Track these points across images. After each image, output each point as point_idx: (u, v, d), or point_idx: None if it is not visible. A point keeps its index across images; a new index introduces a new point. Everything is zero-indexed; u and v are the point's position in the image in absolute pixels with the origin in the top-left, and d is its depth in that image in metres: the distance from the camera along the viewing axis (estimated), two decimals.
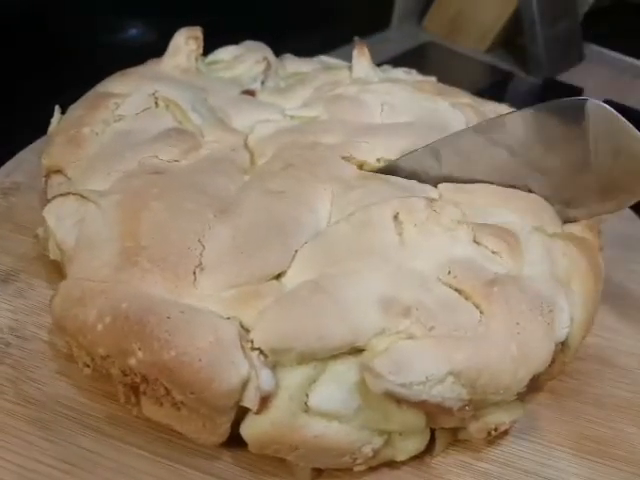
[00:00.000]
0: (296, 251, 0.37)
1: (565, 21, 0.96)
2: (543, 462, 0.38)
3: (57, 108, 0.49)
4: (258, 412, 0.32)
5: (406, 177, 0.44)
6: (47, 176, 0.46)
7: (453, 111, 0.53)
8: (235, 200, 0.40)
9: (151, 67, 0.54)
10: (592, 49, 1.06)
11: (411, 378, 0.31)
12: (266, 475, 0.35)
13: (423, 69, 0.63)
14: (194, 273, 0.35)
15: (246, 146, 0.48)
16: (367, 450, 0.33)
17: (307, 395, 0.32)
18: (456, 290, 0.36)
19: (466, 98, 0.55)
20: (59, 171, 0.45)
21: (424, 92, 0.55)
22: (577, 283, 0.40)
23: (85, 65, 0.58)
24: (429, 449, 0.36)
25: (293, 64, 0.62)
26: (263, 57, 0.58)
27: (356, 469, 0.34)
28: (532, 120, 0.41)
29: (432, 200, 0.39)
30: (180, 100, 0.49)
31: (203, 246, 0.36)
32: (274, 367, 0.33)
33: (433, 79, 0.61)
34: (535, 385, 0.39)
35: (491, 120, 0.44)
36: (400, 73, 0.61)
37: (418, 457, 0.36)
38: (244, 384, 0.31)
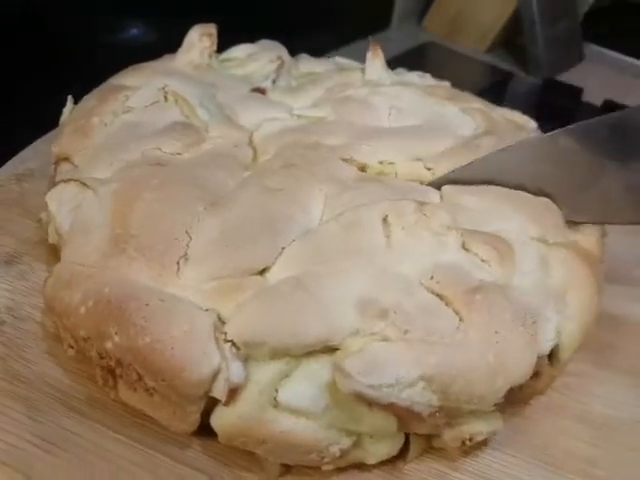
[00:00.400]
0: (283, 248, 0.38)
1: (565, 21, 0.95)
2: (522, 477, 0.37)
3: (70, 98, 0.51)
4: (226, 404, 0.32)
5: None
6: (56, 163, 0.48)
7: (462, 116, 0.52)
8: (230, 195, 0.41)
9: (164, 62, 0.55)
10: (592, 49, 1.05)
11: (380, 380, 0.31)
12: (235, 467, 0.35)
13: (423, 69, 0.63)
14: (178, 263, 0.36)
15: (250, 143, 0.48)
16: (334, 450, 0.33)
17: (277, 390, 0.33)
18: (437, 295, 0.35)
19: (477, 103, 0.55)
20: (67, 159, 0.47)
21: (435, 96, 0.55)
22: (573, 295, 0.39)
23: (85, 65, 0.59)
24: (403, 454, 0.36)
25: (307, 64, 0.62)
26: (277, 56, 0.59)
27: (324, 468, 0.34)
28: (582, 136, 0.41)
29: (422, 204, 0.38)
30: (188, 95, 0.50)
31: (190, 237, 0.37)
32: (246, 360, 0.33)
33: (447, 84, 0.60)
34: (518, 397, 0.38)
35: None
36: (414, 77, 0.60)
37: (391, 462, 0.36)
38: (214, 375, 0.32)
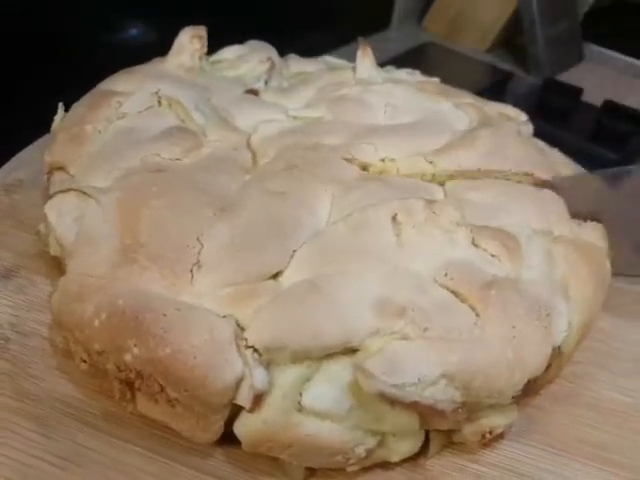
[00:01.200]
0: (294, 251, 0.37)
1: (565, 21, 0.96)
2: (539, 466, 0.37)
3: (60, 105, 0.49)
4: (251, 410, 0.32)
5: None
6: (50, 173, 0.47)
7: (456, 111, 0.53)
8: (236, 199, 0.40)
9: (155, 66, 0.54)
10: (592, 49, 1.06)
11: (403, 379, 0.31)
12: (259, 473, 0.35)
13: (423, 69, 0.63)
14: (191, 271, 0.35)
15: (249, 146, 0.48)
16: (360, 450, 0.33)
17: (300, 394, 0.33)
18: (452, 292, 0.36)
19: (469, 98, 0.55)
20: (61, 168, 0.46)
21: (427, 93, 0.55)
22: (575, 288, 0.40)
23: (85, 65, 0.58)
24: (423, 451, 0.36)
25: (297, 64, 0.62)
26: (267, 57, 0.58)
27: (349, 469, 0.34)
28: None
29: (431, 202, 0.39)
30: (183, 99, 0.49)
31: (202, 244, 0.36)
32: (268, 366, 0.33)
33: (436, 80, 0.61)
34: (532, 389, 0.39)
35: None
36: (403, 74, 0.61)
37: (412, 459, 0.36)
38: (238, 382, 0.32)
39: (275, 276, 0.37)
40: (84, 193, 0.41)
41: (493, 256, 0.38)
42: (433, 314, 0.34)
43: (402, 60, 0.72)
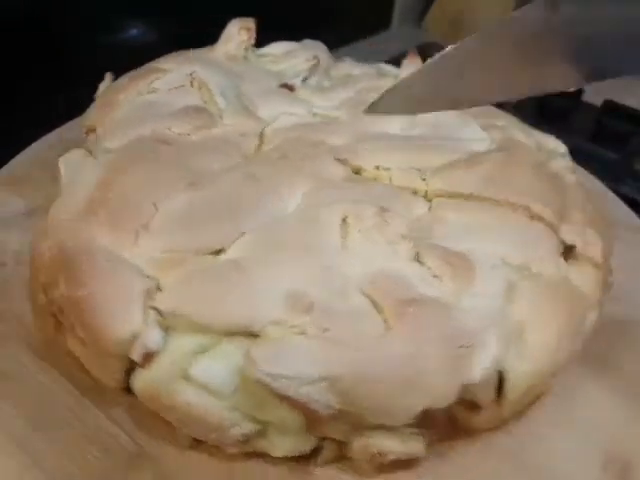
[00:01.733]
0: (244, 233, 0.38)
1: None
2: None
3: (108, 75, 0.55)
4: (141, 366, 0.34)
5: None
6: (87, 133, 0.52)
7: (481, 132, 0.50)
8: (211, 177, 0.42)
9: (203, 51, 0.58)
10: None
11: (281, 371, 0.31)
12: (153, 432, 0.36)
13: None
14: (137, 232, 0.38)
15: (261, 134, 0.49)
16: (236, 433, 0.34)
17: (191, 364, 0.34)
18: (372, 302, 0.34)
19: (503, 120, 0.52)
20: (94, 130, 0.51)
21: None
22: (532, 332, 0.37)
23: (85, 65, 0.60)
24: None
25: (347, 67, 0.62)
26: (313, 56, 0.60)
27: (229, 450, 0.35)
28: None
29: (384, 210, 0.38)
30: (211, 83, 0.52)
31: (156, 209, 0.39)
32: (167, 330, 0.34)
33: None
34: (450, 428, 0.36)
35: None
36: None
37: (305, 462, 0.35)
38: (134, 337, 0.33)
39: (218, 253, 0.38)
40: (89, 151, 0.45)
41: (435, 276, 0.36)
42: (340, 317, 0.33)
43: (402, 60, 0.71)
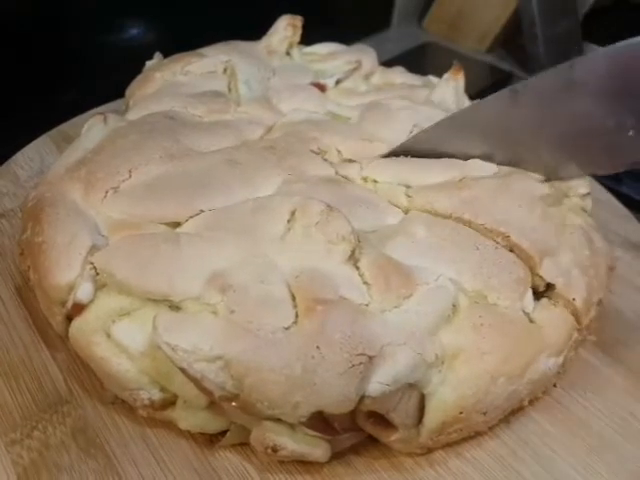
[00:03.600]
0: (202, 211, 0.40)
1: (565, 21, 0.92)
2: None
3: (157, 54, 0.59)
4: (71, 316, 0.36)
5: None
6: (126, 105, 0.57)
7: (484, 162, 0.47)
8: (193, 155, 0.44)
9: (250, 43, 0.60)
10: (592, 49, 0.98)
11: (178, 342, 0.32)
12: (84, 383, 0.39)
13: (423, 69, 0.61)
14: (107, 192, 0.40)
15: (271, 126, 0.51)
16: (144, 396, 0.35)
17: (114, 321, 0.35)
18: (291, 294, 0.34)
19: None
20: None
21: None
22: (465, 362, 0.34)
23: (85, 65, 0.61)
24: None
25: (393, 75, 0.61)
26: (356, 60, 0.60)
27: (140, 412, 0.36)
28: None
29: (332, 209, 0.37)
30: (240, 72, 0.55)
31: (130, 175, 0.41)
32: (101, 287, 0.36)
33: None
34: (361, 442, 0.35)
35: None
36: None
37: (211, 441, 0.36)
38: (70, 287, 0.36)
39: (176, 226, 0.40)
40: (105, 117, 0.49)
41: (365, 283, 0.35)
42: (250, 302, 0.33)
43: (402, 60, 0.69)
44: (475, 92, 0.58)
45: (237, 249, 0.36)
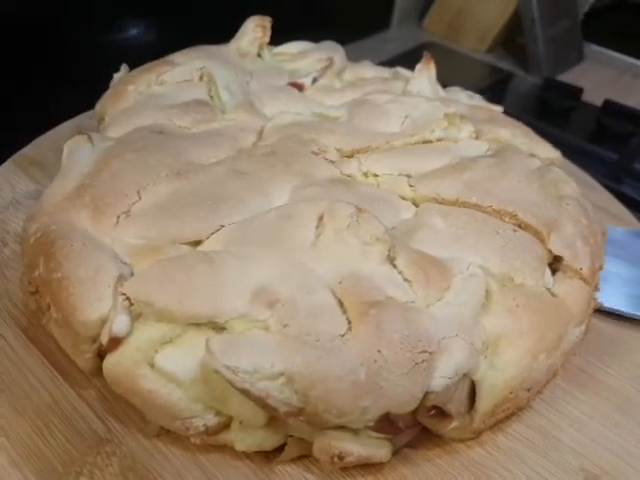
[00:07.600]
0: (222, 226, 0.39)
1: (565, 21, 0.95)
2: None
3: (124, 66, 0.56)
4: (107, 350, 0.34)
5: None
6: (98, 121, 0.54)
7: (474, 141, 0.49)
8: (198, 169, 0.43)
9: (218, 47, 0.59)
10: (592, 49, 1.05)
11: (238, 363, 0.31)
12: (121, 417, 0.37)
13: None
14: (119, 217, 0.38)
15: (260, 130, 0.50)
16: (198, 424, 0.34)
17: (157, 351, 0.34)
18: (338, 301, 0.34)
19: (505, 131, 0.51)
20: (104, 119, 0.52)
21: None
22: (508, 345, 0.36)
23: (85, 65, 0.60)
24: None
25: (363, 70, 0.62)
26: (327, 57, 0.60)
27: (192, 440, 0.35)
28: None
29: (361, 211, 0.37)
30: (218, 78, 0.53)
31: (140, 197, 0.40)
32: (137, 317, 0.35)
33: (498, 108, 0.57)
34: (419, 436, 0.36)
35: None
36: (462, 96, 0.58)
37: (267, 458, 0.36)
38: (102, 321, 0.34)
39: (197, 244, 0.38)
40: (90, 137, 0.46)
41: (406, 280, 0.35)
42: (302, 314, 0.33)
43: (402, 60, 0.71)
44: (475, 92, 0.59)
45: (273, 261, 0.36)
